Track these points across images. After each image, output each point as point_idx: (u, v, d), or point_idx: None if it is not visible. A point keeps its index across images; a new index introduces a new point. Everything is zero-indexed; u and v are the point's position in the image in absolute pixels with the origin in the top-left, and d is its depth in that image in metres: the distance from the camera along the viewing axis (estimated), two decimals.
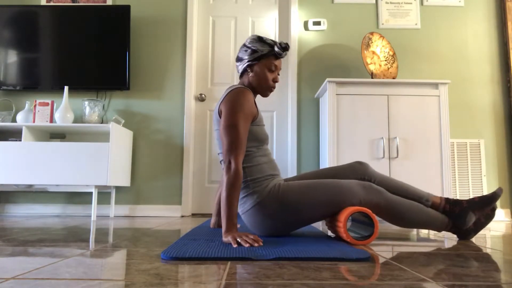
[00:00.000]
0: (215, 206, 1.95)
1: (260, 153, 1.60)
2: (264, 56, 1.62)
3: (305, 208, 1.53)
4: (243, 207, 1.59)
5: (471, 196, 3.00)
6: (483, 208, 1.64)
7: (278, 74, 1.69)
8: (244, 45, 1.66)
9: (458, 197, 3.00)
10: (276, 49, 1.61)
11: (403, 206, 1.57)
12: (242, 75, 1.69)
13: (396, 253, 1.29)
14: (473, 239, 1.71)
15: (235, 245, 1.31)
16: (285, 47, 1.61)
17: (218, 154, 1.66)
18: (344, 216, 1.48)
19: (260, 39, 1.63)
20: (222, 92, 3.27)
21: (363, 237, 1.50)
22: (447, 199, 1.68)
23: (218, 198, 1.93)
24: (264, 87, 1.65)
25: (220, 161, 1.64)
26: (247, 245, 1.30)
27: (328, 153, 2.67)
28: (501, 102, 3.19)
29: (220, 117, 1.57)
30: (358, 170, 1.72)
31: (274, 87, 1.67)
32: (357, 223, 1.71)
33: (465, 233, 1.64)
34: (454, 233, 1.67)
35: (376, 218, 1.51)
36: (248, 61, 1.63)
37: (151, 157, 3.13)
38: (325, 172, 1.75)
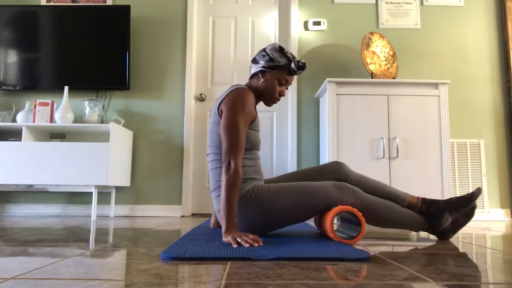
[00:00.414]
0: (214, 206, 1.95)
1: (247, 156, 1.60)
2: (279, 67, 1.63)
3: (277, 210, 1.53)
4: (218, 205, 1.59)
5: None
6: (459, 208, 1.64)
7: (287, 89, 1.70)
8: (264, 50, 1.66)
9: None
10: (293, 65, 1.62)
11: (379, 206, 1.57)
12: (252, 77, 1.69)
13: (396, 253, 1.29)
14: (473, 239, 1.71)
15: (235, 245, 1.31)
16: (301, 66, 1.62)
17: (208, 146, 1.65)
18: (329, 217, 1.48)
19: (280, 50, 1.64)
20: (222, 92, 3.27)
21: (351, 238, 1.49)
22: (424, 199, 1.69)
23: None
24: (269, 97, 1.66)
25: (207, 154, 1.64)
26: (247, 245, 1.30)
27: (328, 153, 2.67)
28: (501, 102, 3.20)
29: (219, 114, 1.57)
30: (334, 170, 1.73)
31: (278, 100, 1.69)
32: (346, 222, 1.71)
33: (443, 233, 1.64)
34: (431, 233, 1.67)
35: (363, 217, 1.51)
36: (262, 67, 1.63)
37: (151, 157, 3.13)
38: (302, 173, 1.77)
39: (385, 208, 1.58)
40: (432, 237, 1.79)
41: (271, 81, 1.64)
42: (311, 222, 2.61)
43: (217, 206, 1.61)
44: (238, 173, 1.44)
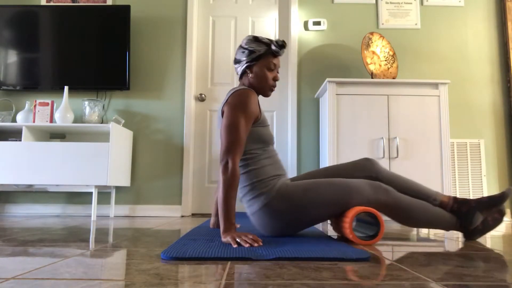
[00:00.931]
0: (214, 206, 1.95)
1: (265, 155, 1.60)
2: (262, 56, 1.62)
3: (312, 207, 1.53)
4: (251, 209, 1.59)
5: (472, 196, 3.00)
6: (491, 208, 1.64)
7: (278, 72, 1.68)
8: (241, 46, 1.65)
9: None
10: (273, 47, 1.61)
11: (411, 206, 1.57)
12: (241, 76, 1.68)
13: (396, 253, 1.29)
14: None
15: (235, 245, 1.30)
16: (282, 45, 1.61)
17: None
18: (350, 215, 1.48)
19: (256, 39, 1.63)
20: (222, 92, 3.28)
21: (368, 237, 1.49)
22: (455, 198, 1.68)
23: (216, 198, 1.93)
24: (265, 87, 1.65)
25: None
26: (247, 245, 1.30)
27: (328, 153, 2.67)
28: (501, 102, 3.19)
29: (222, 115, 1.57)
30: (365, 167, 1.71)
31: (275, 86, 1.67)
32: (362, 223, 1.71)
33: (471, 233, 1.64)
34: (461, 232, 1.66)
35: (382, 219, 1.50)
36: (246, 62, 1.62)
37: (151, 157, 3.13)
38: (333, 170, 1.75)
39: (418, 207, 1.57)
40: (432, 237, 1.79)
41: (261, 71, 1.62)
42: None
43: (250, 210, 1.60)
44: (236, 173, 1.43)
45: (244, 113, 1.51)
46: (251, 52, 1.61)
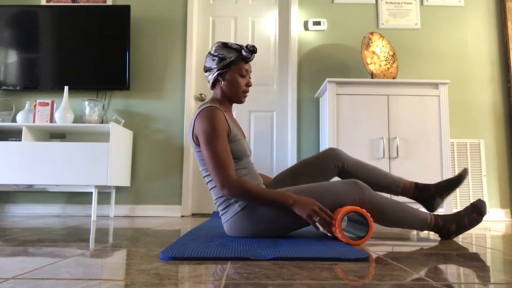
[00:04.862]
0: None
1: (239, 166, 1.59)
2: (233, 63, 1.60)
3: (287, 216, 1.51)
4: (225, 217, 1.58)
5: (472, 196, 3.00)
6: (449, 191, 1.70)
7: (250, 78, 1.67)
8: (210, 53, 1.62)
9: (458, 198, 3.00)
10: (244, 53, 1.59)
11: (386, 206, 1.56)
12: (214, 85, 1.66)
13: (396, 253, 1.29)
14: (473, 239, 1.71)
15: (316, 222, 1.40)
16: (252, 50, 1.59)
17: (201, 169, 1.66)
18: (338, 218, 1.48)
19: (225, 45, 1.61)
20: None
21: (358, 238, 1.49)
22: (416, 184, 1.72)
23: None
24: (238, 94, 1.64)
25: (203, 176, 1.64)
26: (321, 229, 1.41)
27: None
28: (501, 102, 3.20)
29: (195, 142, 1.56)
30: (331, 157, 1.74)
31: (247, 92, 1.66)
32: (353, 222, 1.71)
33: (446, 233, 1.64)
34: (435, 232, 1.66)
35: (371, 218, 1.50)
36: (217, 70, 1.60)
37: (151, 157, 3.13)
38: (301, 165, 1.76)
39: (392, 207, 1.57)
40: (432, 237, 1.79)
41: (233, 78, 1.61)
42: None
43: (224, 217, 1.60)
44: (239, 182, 1.43)
45: (217, 133, 1.49)
46: (221, 59, 1.59)
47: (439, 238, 1.72)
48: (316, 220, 1.40)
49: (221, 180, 1.46)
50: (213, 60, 1.60)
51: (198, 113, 1.55)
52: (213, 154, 1.47)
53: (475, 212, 1.62)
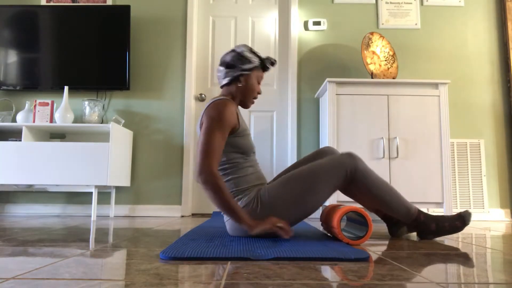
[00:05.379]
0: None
1: (247, 164, 1.60)
2: (255, 68, 1.65)
3: (288, 203, 1.53)
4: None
5: (472, 197, 3.00)
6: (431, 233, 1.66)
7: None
8: (236, 51, 1.63)
9: (458, 198, 3.00)
10: (266, 63, 1.66)
11: (377, 182, 1.56)
12: (230, 83, 1.66)
13: (396, 253, 1.29)
14: (473, 239, 1.71)
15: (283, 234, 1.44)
16: (273, 63, 1.67)
17: None
18: (336, 219, 1.48)
19: (251, 50, 1.66)
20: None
21: (358, 237, 1.49)
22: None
23: None
24: (250, 98, 1.68)
25: None
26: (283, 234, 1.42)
27: None
28: (501, 102, 3.19)
29: (201, 130, 1.57)
30: (328, 154, 1.76)
31: (256, 98, 1.72)
32: (352, 222, 1.71)
33: (424, 231, 1.64)
34: (414, 227, 1.65)
35: (370, 218, 1.51)
36: (241, 70, 1.62)
37: (151, 157, 3.13)
38: (300, 164, 1.79)
39: (382, 186, 1.57)
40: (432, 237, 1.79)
41: (252, 82, 1.65)
42: (310, 221, 2.61)
43: (226, 217, 1.62)
44: (217, 178, 1.43)
45: (220, 122, 1.50)
46: (249, 61, 1.62)
47: (439, 239, 1.72)
48: (277, 231, 1.44)
49: (202, 167, 1.44)
50: (239, 59, 1.62)
51: (212, 102, 1.56)
52: (208, 141, 1.47)
53: (459, 220, 1.62)
